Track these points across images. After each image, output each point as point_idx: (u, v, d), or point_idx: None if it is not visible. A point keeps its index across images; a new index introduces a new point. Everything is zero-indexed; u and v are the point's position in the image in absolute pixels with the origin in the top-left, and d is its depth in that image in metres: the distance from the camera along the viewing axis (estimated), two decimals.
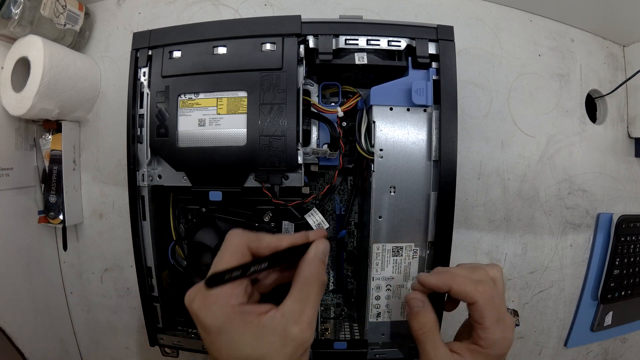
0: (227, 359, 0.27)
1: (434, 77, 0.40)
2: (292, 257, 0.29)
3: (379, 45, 0.41)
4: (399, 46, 0.41)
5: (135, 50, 0.44)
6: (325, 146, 0.45)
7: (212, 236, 0.45)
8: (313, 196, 0.45)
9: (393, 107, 0.41)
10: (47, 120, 0.57)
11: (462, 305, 0.37)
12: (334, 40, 0.41)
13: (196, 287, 0.28)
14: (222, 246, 0.29)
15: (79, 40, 0.58)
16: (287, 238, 0.31)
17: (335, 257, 0.52)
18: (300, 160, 0.41)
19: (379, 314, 0.43)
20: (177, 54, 0.42)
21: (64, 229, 0.61)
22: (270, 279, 0.32)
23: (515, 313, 0.58)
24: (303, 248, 0.29)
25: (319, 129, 0.45)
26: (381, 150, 0.40)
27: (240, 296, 0.28)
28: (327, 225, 0.45)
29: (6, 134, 0.55)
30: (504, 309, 0.34)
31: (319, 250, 0.30)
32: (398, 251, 0.41)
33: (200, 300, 0.27)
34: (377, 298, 0.42)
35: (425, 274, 0.35)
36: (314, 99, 0.45)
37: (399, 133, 0.40)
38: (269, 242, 0.30)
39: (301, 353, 0.28)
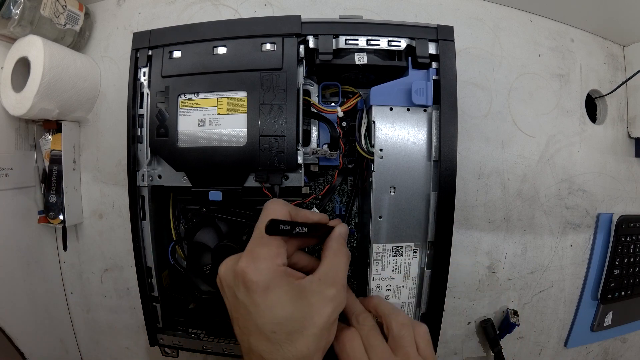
0: (270, 320, 0.28)
1: (434, 77, 0.40)
2: (319, 234, 0.35)
3: (379, 45, 0.41)
4: (399, 46, 0.41)
5: (135, 50, 0.44)
6: (325, 146, 0.45)
7: (212, 236, 0.45)
8: (313, 196, 0.45)
9: (393, 107, 0.40)
10: (47, 120, 0.57)
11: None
12: (334, 40, 0.41)
13: (232, 257, 0.30)
14: (264, 212, 0.32)
15: (79, 40, 0.58)
16: (315, 214, 0.36)
17: None
18: (300, 160, 0.41)
19: None
20: (177, 54, 0.42)
21: (64, 229, 0.61)
22: None
23: (515, 313, 0.58)
24: (327, 229, 0.36)
25: (319, 129, 0.45)
26: (381, 150, 0.40)
27: (284, 258, 0.30)
28: None
29: (6, 134, 0.55)
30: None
31: (342, 230, 0.36)
32: (398, 251, 0.41)
33: (248, 259, 0.28)
34: None
35: (384, 305, 0.36)
36: (314, 99, 0.45)
37: (399, 133, 0.40)
38: (304, 213, 0.35)
39: (336, 317, 0.30)
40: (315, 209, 0.45)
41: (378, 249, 0.41)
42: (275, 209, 0.32)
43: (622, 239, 0.61)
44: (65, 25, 0.54)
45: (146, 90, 0.44)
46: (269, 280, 0.28)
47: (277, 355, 0.27)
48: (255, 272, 0.28)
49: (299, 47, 0.41)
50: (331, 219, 0.51)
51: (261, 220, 0.31)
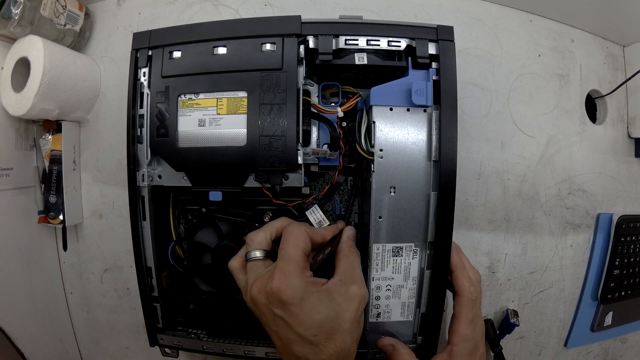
0: (310, 325, 0.31)
1: (434, 78, 0.40)
2: (335, 244, 0.40)
3: (379, 45, 0.41)
4: (399, 46, 0.41)
5: (135, 50, 0.44)
6: (325, 146, 0.45)
7: (212, 236, 0.45)
8: (313, 196, 0.45)
9: (393, 108, 0.40)
10: (47, 120, 0.57)
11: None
12: (334, 40, 0.41)
13: (259, 279, 0.33)
14: (289, 234, 0.36)
15: (79, 41, 0.58)
16: (329, 229, 0.41)
17: None
18: (300, 160, 0.41)
19: (379, 314, 0.43)
20: (177, 54, 0.42)
21: (64, 229, 0.61)
22: None
23: (515, 313, 0.58)
24: (338, 236, 0.40)
25: (319, 129, 0.45)
26: (381, 150, 0.40)
27: (307, 271, 0.34)
28: (328, 223, 0.45)
29: (6, 134, 0.55)
30: (480, 313, 0.40)
31: (350, 233, 0.42)
32: (398, 251, 0.41)
33: (281, 278, 0.32)
34: (377, 298, 0.42)
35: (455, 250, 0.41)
36: (314, 99, 0.45)
37: (399, 133, 0.40)
38: (319, 232, 0.40)
39: (362, 308, 0.34)
40: (316, 207, 0.45)
41: (378, 249, 0.41)
42: (298, 236, 0.36)
43: (622, 239, 0.61)
44: (65, 25, 0.54)
45: (146, 91, 0.44)
46: (303, 292, 0.31)
47: (322, 354, 0.31)
48: (289, 288, 0.31)
49: (299, 47, 0.41)
50: (331, 219, 0.51)
51: (284, 242, 0.35)
